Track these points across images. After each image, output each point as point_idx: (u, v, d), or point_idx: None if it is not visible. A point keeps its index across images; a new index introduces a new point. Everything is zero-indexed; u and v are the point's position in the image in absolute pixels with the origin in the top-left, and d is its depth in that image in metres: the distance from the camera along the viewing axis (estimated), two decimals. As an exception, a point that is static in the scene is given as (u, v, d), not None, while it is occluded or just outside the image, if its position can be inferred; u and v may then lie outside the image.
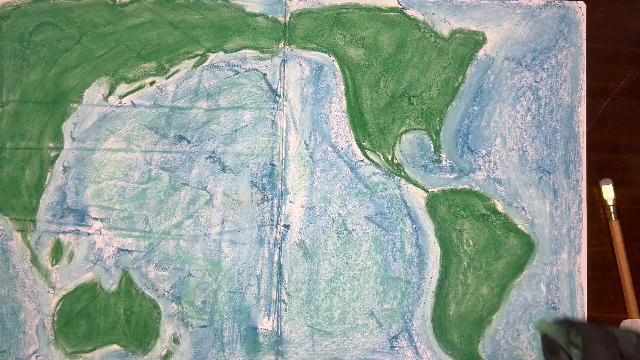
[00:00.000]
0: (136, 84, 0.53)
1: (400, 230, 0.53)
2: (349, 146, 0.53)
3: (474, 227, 0.53)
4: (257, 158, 0.53)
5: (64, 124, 0.53)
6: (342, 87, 0.54)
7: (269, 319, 0.52)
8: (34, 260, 0.52)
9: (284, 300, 0.52)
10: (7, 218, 0.52)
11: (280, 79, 0.53)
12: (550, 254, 0.53)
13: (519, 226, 0.53)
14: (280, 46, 0.53)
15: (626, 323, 0.52)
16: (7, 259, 0.52)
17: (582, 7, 0.54)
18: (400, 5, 0.54)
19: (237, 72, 0.53)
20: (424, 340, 0.52)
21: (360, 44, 0.54)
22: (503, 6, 0.54)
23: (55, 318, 0.52)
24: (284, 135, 0.53)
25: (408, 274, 0.53)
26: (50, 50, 0.53)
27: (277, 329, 0.52)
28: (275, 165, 0.52)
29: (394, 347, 0.52)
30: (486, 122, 0.54)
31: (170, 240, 0.52)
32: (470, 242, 0.53)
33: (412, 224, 0.53)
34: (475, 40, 0.54)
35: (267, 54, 0.53)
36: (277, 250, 0.53)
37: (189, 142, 0.53)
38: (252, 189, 0.53)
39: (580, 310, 0.52)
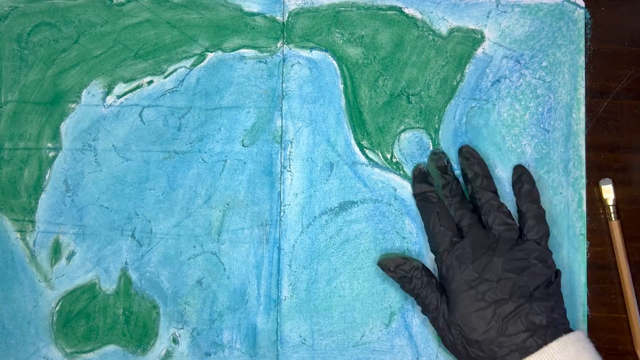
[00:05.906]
0: (134, 84, 0.53)
1: (400, 229, 0.53)
2: (347, 145, 0.53)
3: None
4: (256, 157, 0.53)
5: (63, 124, 0.53)
6: (341, 86, 0.54)
7: (268, 318, 0.52)
8: (33, 260, 0.52)
9: (283, 300, 0.52)
10: (6, 218, 0.52)
11: (278, 78, 0.53)
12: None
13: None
14: (278, 45, 0.53)
15: None
16: (6, 259, 0.52)
17: (582, 6, 0.54)
18: (399, 3, 0.54)
19: (235, 72, 0.53)
20: (424, 340, 0.52)
21: (359, 42, 0.54)
22: (501, 4, 0.54)
23: (54, 318, 0.52)
24: (283, 134, 0.53)
25: (407, 273, 0.53)
26: (48, 50, 0.53)
27: (277, 328, 0.52)
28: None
29: (394, 346, 0.52)
30: (485, 120, 0.54)
31: (169, 240, 0.52)
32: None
33: (411, 223, 0.53)
34: (474, 39, 0.54)
35: (265, 53, 0.53)
36: (276, 250, 0.53)
37: (187, 141, 0.53)
38: (252, 188, 0.53)
39: (581, 310, 0.52)
